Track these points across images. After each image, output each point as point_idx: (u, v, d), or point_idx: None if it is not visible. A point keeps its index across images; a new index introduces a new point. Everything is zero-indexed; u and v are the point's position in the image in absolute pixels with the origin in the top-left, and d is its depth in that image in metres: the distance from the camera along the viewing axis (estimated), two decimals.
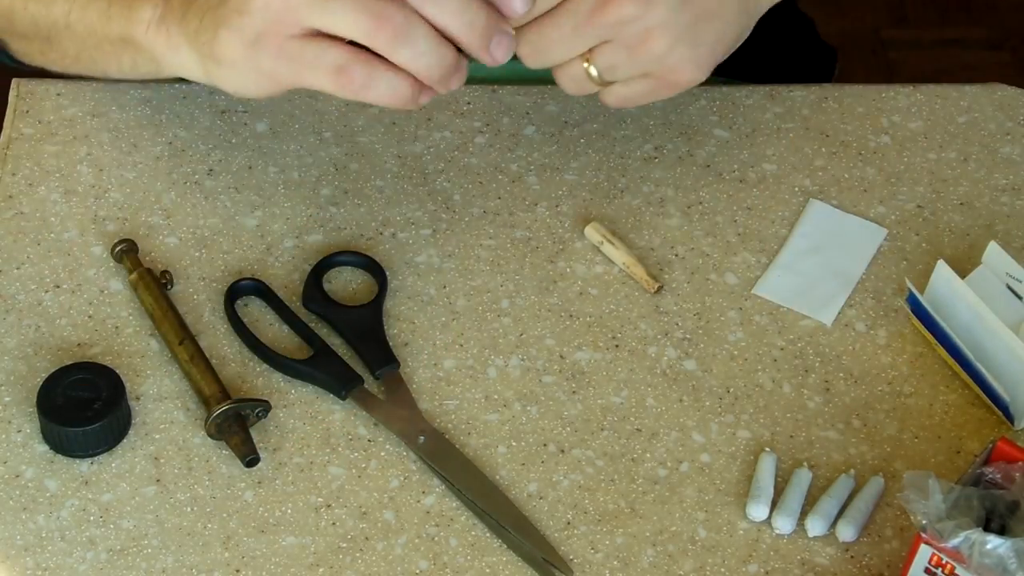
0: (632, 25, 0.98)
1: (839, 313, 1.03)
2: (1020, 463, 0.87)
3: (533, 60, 1.01)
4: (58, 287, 1.03)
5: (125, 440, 0.97)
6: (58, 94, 1.13)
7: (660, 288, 1.04)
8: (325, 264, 1.04)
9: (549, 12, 0.98)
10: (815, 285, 1.05)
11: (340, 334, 1.02)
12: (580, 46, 1.00)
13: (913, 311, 1.02)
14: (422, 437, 0.97)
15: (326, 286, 1.04)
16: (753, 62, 1.16)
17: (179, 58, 0.99)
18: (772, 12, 1.07)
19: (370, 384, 0.99)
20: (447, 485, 0.95)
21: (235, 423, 0.96)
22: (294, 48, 0.93)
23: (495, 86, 1.14)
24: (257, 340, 1.00)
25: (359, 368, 1.00)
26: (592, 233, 1.06)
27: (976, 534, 0.83)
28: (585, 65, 1.00)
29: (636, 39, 0.99)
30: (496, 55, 0.95)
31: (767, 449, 0.97)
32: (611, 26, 0.98)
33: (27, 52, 1.09)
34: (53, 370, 0.97)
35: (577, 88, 1.02)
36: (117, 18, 1.01)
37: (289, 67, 0.94)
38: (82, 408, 0.95)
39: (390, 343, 1.01)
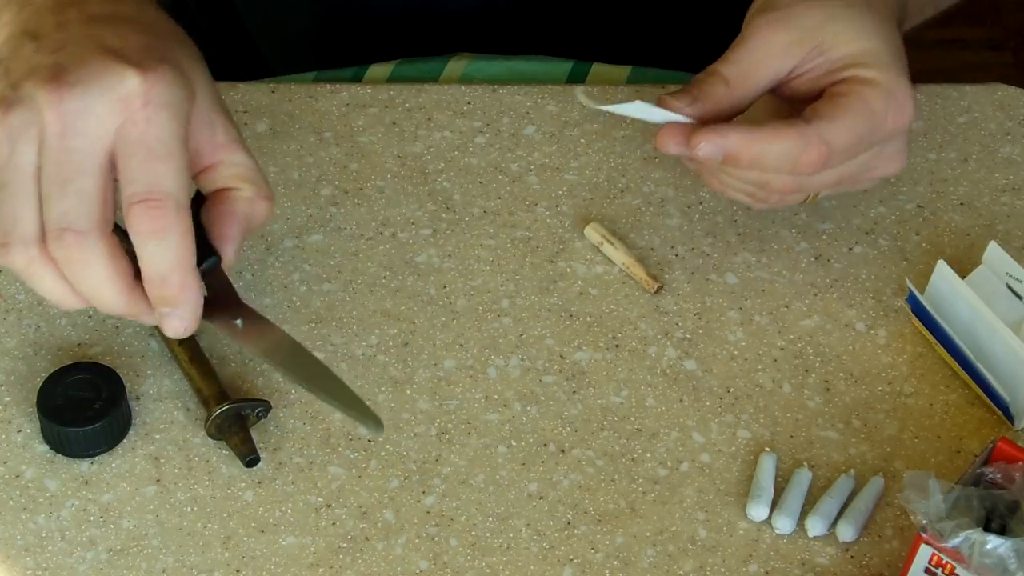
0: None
1: (839, 313, 1.03)
2: (1020, 463, 0.87)
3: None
4: None
5: (125, 440, 0.97)
6: None
7: (660, 288, 1.04)
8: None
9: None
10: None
11: None
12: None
13: (913, 311, 1.02)
14: (239, 321, 0.90)
15: None
16: None
17: None
18: None
19: None
20: (269, 363, 0.91)
21: (235, 423, 0.96)
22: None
23: (495, 86, 1.14)
24: None
25: None
26: (592, 233, 1.06)
27: (976, 534, 0.83)
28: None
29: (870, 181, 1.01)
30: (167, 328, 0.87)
31: (767, 449, 0.97)
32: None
33: None
34: (53, 370, 0.97)
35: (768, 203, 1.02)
36: None
37: None
38: (82, 408, 0.95)
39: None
